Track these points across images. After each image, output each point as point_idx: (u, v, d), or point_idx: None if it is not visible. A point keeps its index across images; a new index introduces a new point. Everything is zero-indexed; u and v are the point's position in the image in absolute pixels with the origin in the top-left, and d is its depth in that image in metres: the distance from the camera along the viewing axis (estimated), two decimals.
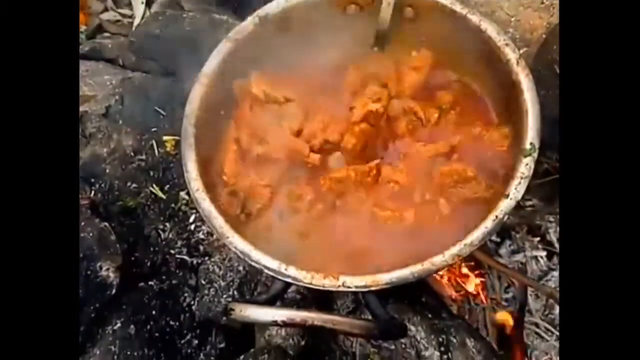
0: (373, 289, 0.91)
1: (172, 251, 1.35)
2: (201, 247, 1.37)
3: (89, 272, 1.16)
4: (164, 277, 1.31)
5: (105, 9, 1.92)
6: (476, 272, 1.43)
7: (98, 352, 1.13)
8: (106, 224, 1.23)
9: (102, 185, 1.36)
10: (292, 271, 0.93)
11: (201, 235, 1.37)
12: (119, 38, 1.78)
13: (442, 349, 1.13)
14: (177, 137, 1.22)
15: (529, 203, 1.57)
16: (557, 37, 1.19)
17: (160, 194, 1.38)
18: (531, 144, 0.96)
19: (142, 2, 1.82)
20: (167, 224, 1.37)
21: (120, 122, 1.44)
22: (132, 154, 1.42)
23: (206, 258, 1.34)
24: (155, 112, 1.45)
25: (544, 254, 1.51)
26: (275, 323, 0.82)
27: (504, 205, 0.93)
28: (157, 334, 1.19)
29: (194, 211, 1.37)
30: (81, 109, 1.44)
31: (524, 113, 0.99)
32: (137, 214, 1.36)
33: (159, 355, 1.18)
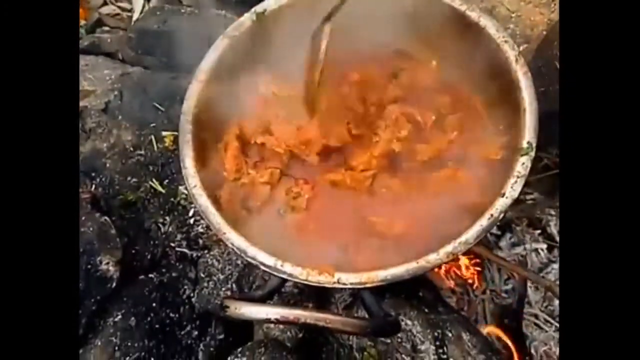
0: (368, 286, 0.91)
1: (172, 244, 1.37)
2: (200, 241, 1.38)
3: (89, 266, 1.17)
4: (164, 269, 1.32)
5: (105, 3, 1.92)
6: (472, 261, 1.43)
7: (99, 343, 1.15)
8: (106, 218, 1.24)
9: (103, 179, 1.38)
10: (288, 267, 0.94)
11: (200, 229, 1.39)
12: (118, 32, 1.79)
13: (438, 343, 1.13)
14: (175, 133, 1.23)
15: (529, 196, 1.57)
16: (557, 33, 1.18)
17: (160, 188, 1.39)
18: (528, 142, 0.96)
19: None
20: (167, 218, 1.39)
21: (120, 117, 1.45)
22: (132, 149, 1.43)
23: (205, 251, 1.36)
24: (154, 108, 1.46)
25: (544, 246, 1.51)
26: (268, 321, 0.84)
27: (500, 204, 0.93)
28: (157, 326, 1.21)
29: (193, 205, 1.37)
30: (81, 104, 1.45)
31: (522, 111, 0.99)
32: (137, 207, 1.38)
33: (159, 346, 1.19)
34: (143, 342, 1.18)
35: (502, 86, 1.05)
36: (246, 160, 1.15)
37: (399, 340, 1.14)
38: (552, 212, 1.55)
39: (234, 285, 1.28)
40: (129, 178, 1.40)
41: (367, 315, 0.96)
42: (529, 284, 1.43)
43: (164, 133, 1.44)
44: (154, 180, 1.40)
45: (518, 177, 0.94)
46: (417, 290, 1.26)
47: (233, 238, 0.98)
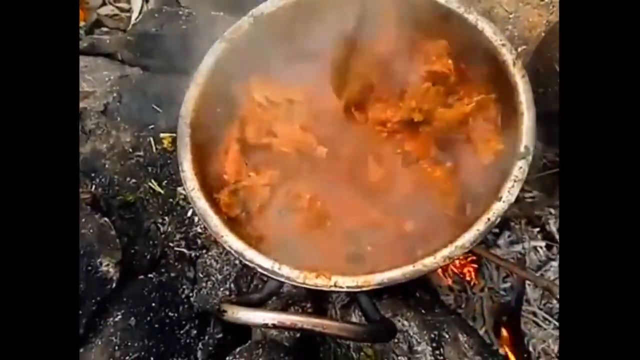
0: (365, 289, 0.92)
1: (170, 244, 1.38)
2: (199, 241, 1.39)
3: (89, 268, 1.18)
4: (163, 269, 1.33)
5: (104, 3, 1.92)
6: (469, 258, 1.44)
7: (100, 343, 1.16)
8: (106, 219, 1.25)
9: (103, 180, 1.38)
10: (285, 270, 0.94)
11: (199, 229, 1.39)
12: (117, 33, 1.78)
13: (435, 344, 1.14)
14: (174, 134, 1.23)
15: (528, 195, 1.57)
16: (556, 35, 1.17)
17: (159, 189, 1.40)
18: (526, 146, 0.96)
19: None
20: (166, 218, 1.40)
21: (119, 119, 1.45)
22: (131, 150, 1.43)
23: (204, 251, 1.37)
24: (153, 110, 1.46)
25: (543, 244, 1.51)
26: (266, 326, 0.84)
27: (497, 208, 0.93)
28: (156, 325, 1.22)
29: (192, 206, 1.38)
30: (80, 105, 1.45)
31: (520, 115, 0.99)
32: (136, 208, 1.39)
33: (158, 346, 1.20)
34: (143, 341, 1.19)
35: (500, 89, 1.05)
36: (246, 162, 1.15)
37: (396, 341, 1.15)
38: (551, 211, 1.56)
39: (232, 285, 1.29)
40: (128, 179, 1.40)
41: (363, 318, 0.97)
42: (527, 282, 1.44)
43: (162, 135, 1.45)
44: (152, 181, 1.41)
45: (515, 181, 0.94)
46: (414, 291, 1.27)
47: (231, 241, 0.99)
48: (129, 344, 1.17)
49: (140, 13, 1.77)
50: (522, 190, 0.95)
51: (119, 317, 1.20)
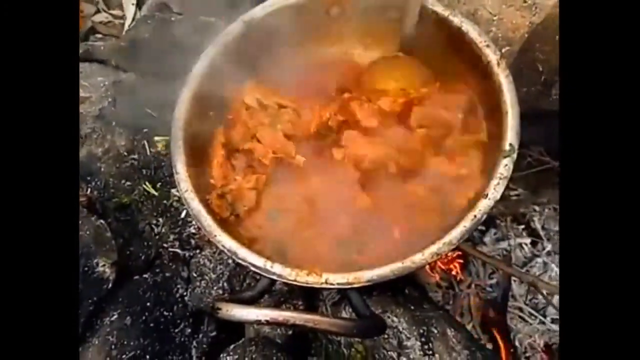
0: (355, 286, 0.93)
1: (165, 245, 1.39)
2: (192, 241, 1.40)
3: (86, 269, 1.20)
4: (157, 270, 1.35)
5: (98, 11, 1.93)
6: (455, 254, 1.46)
7: (97, 342, 1.18)
8: (102, 221, 1.26)
9: (98, 182, 1.40)
10: (277, 268, 0.96)
11: (192, 230, 1.41)
12: (111, 39, 1.79)
13: (423, 339, 1.16)
14: (167, 138, 1.25)
15: (513, 192, 1.59)
16: (539, 35, 1.19)
17: (153, 191, 1.42)
18: (510, 144, 0.97)
19: (133, 4, 1.83)
20: (160, 219, 1.41)
21: (114, 123, 1.46)
22: (126, 153, 1.45)
23: (197, 251, 1.38)
24: (146, 114, 1.48)
25: (528, 241, 1.54)
26: (259, 322, 0.86)
27: (483, 205, 0.95)
28: (151, 324, 1.24)
29: (185, 207, 1.39)
30: None
31: (504, 114, 1.00)
32: (131, 210, 1.40)
33: (153, 344, 1.21)
34: (138, 340, 1.20)
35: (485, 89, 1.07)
36: (233, 166, 1.17)
37: (386, 336, 1.17)
38: (536, 208, 1.58)
39: (225, 284, 1.31)
40: (123, 181, 1.42)
41: (354, 314, 0.99)
42: (512, 278, 1.46)
43: (156, 138, 1.47)
44: (147, 183, 1.43)
45: (500, 178, 0.96)
46: (403, 288, 1.29)
47: (224, 240, 1.00)
48: (125, 342, 1.19)
49: (133, 20, 1.79)
50: (507, 188, 0.96)
51: (115, 316, 1.21)
